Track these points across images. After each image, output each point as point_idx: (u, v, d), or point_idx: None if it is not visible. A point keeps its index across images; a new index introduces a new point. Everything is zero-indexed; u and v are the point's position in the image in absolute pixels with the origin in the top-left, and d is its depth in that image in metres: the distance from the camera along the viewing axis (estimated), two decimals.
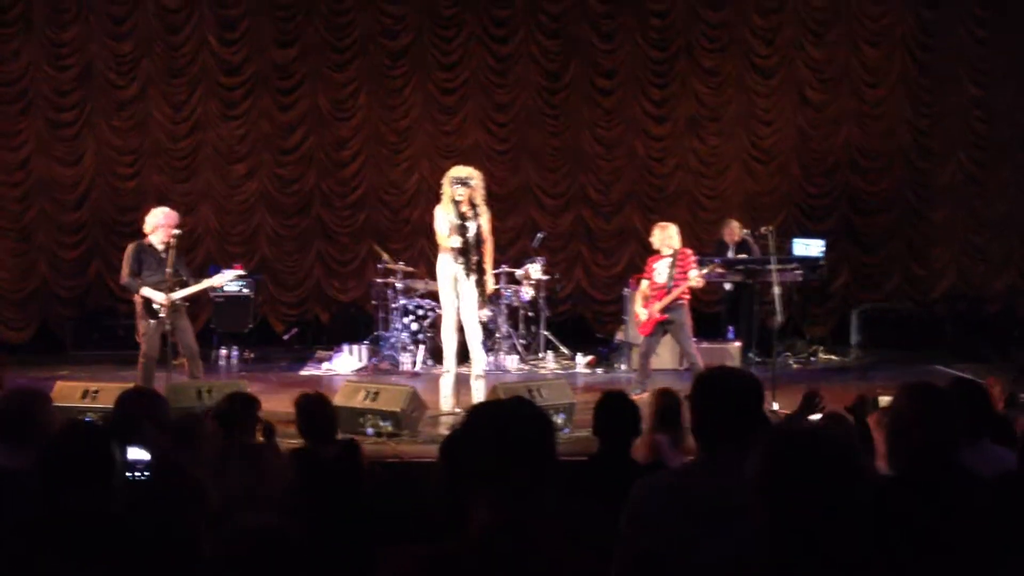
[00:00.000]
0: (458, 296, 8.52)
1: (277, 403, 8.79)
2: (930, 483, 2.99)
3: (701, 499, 2.84)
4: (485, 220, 8.54)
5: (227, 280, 9.29)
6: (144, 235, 8.68)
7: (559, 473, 2.62)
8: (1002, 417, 4.37)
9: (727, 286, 11.53)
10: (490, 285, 9.20)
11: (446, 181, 8.58)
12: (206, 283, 8.93)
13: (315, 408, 4.90)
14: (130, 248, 8.63)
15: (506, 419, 2.33)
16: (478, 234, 8.47)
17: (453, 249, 8.42)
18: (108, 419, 3.97)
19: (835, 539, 2.24)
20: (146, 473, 3.35)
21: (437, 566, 2.15)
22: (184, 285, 8.60)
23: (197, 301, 8.98)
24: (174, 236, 8.56)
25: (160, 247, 8.56)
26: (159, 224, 8.60)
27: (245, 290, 11.78)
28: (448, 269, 8.53)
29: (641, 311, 9.41)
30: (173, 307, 8.46)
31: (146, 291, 8.41)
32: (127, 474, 3.32)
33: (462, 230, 8.36)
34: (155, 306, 8.39)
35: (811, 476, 2.29)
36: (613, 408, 4.32)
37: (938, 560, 2.33)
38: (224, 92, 12.70)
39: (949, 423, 3.39)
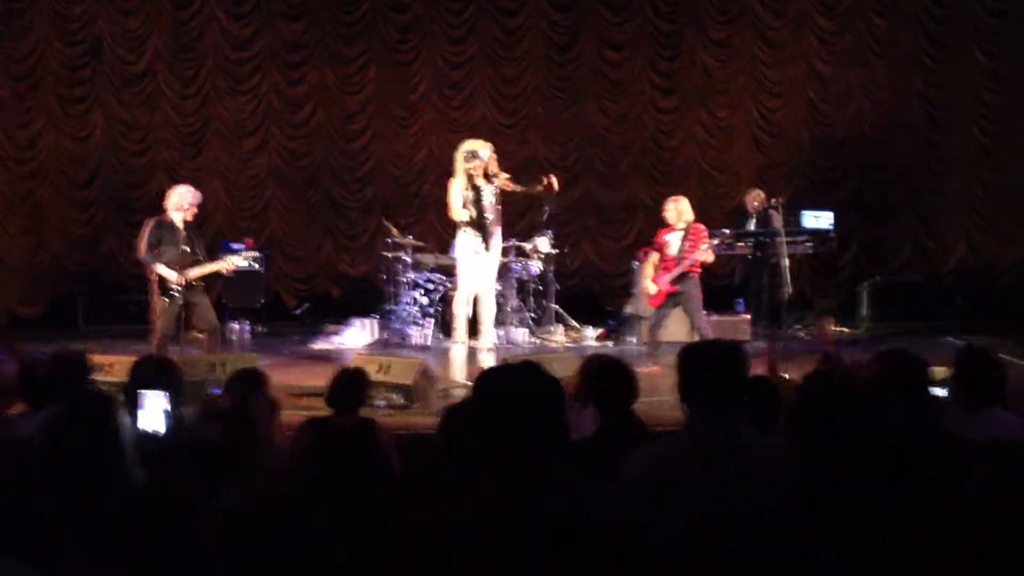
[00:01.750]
0: (477, 270, 8.56)
1: (290, 377, 8.88)
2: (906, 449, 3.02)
3: (686, 466, 2.89)
4: (502, 180, 8.53)
5: (238, 263, 9.25)
6: (164, 211, 8.71)
7: (568, 442, 2.65)
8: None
9: (749, 256, 11.46)
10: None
11: (459, 155, 8.60)
12: (218, 265, 8.92)
13: (353, 380, 4.96)
14: (150, 223, 8.64)
15: (516, 382, 2.36)
16: (493, 204, 8.49)
17: (463, 222, 8.45)
18: (125, 385, 4.02)
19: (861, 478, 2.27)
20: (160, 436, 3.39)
21: (445, 529, 2.17)
22: (200, 263, 8.63)
23: (209, 276, 9.00)
24: (183, 211, 8.60)
25: (180, 224, 8.60)
26: (184, 202, 8.62)
27: (255, 265, 11.80)
28: (466, 243, 8.56)
29: (650, 284, 9.40)
30: (188, 285, 8.50)
31: (160, 269, 8.44)
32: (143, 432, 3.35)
33: (476, 203, 8.39)
34: (170, 284, 8.43)
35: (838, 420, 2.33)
36: (609, 376, 4.35)
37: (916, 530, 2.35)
38: (233, 67, 12.70)
39: (922, 389, 3.43)
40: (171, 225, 8.60)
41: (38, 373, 4.38)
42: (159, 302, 8.51)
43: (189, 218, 8.68)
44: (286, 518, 2.17)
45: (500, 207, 8.74)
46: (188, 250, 8.58)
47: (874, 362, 3.80)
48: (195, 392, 7.54)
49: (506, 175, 8.60)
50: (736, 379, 3.09)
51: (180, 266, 8.45)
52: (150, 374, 4.02)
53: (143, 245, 8.56)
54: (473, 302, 9.11)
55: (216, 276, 9.31)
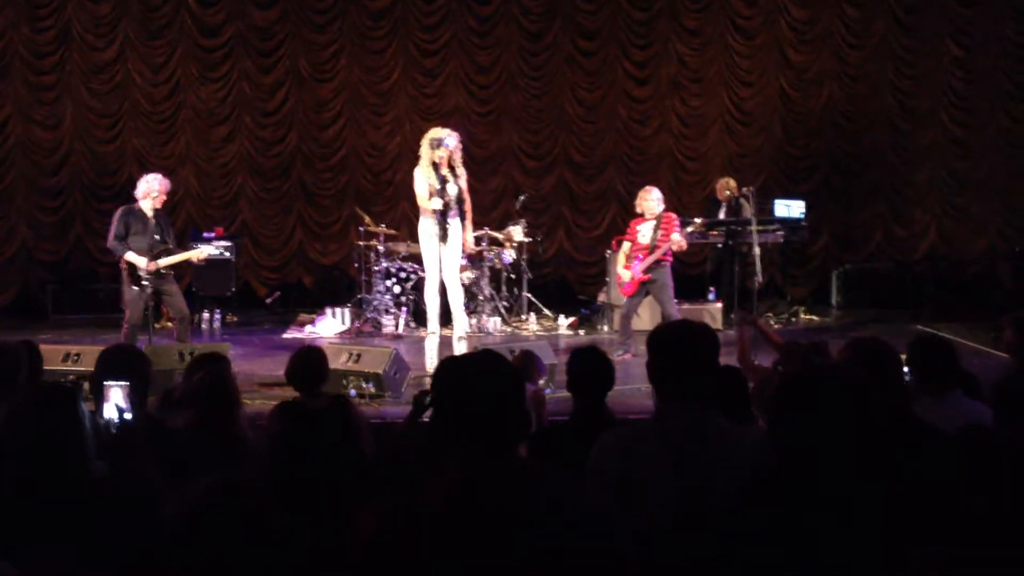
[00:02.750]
0: (440, 258, 8.56)
1: (260, 366, 8.85)
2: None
3: (656, 452, 2.87)
4: (464, 181, 8.56)
5: (209, 252, 9.17)
6: (134, 199, 8.65)
7: (532, 429, 2.65)
8: (968, 372, 4.44)
9: (719, 244, 11.50)
10: (470, 243, 9.25)
11: (425, 143, 8.60)
12: (189, 254, 8.86)
13: (309, 358, 4.93)
14: (119, 211, 8.60)
15: (474, 372, 2.35)
16: (459, 195, 8.49)
17: (434, 211, 8.44)
18: (92, 375, 3.99)
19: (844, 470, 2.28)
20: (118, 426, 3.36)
21: (405, 519, 2.17)
22: (170, 252, 8.57)
23: (180, 264, 8.93)
24: (152, 198, 8.54)
25: (149, 213, 8.53)
26: (152, 190, 8.56)
27: (226, 253, 11.76)
28: (430, 231, 8.56)
29: (623, 272, 9.43)
30: (158, 274, 8.44)
31: (130, 256, 8.39)
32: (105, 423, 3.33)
33: (442, 192, 8.38)
34: (140, 273, 8.37)
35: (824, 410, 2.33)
36: (584, 363, 4.35)
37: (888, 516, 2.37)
38: (204, 54, 12.60)
39: (895, 377, 3.45)
40: (140, 213, 8.54)
41: None
42: (129, 291, 8.46)
43: (158, 206, 8.62)
44: (245, 508, 2.15)
45: (465, 198, 8.76)
46: (158, 238, 8.52)
47: (846, 350, 3.82)
48: (164, 381, 7.52)
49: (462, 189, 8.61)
50: (706, 361, 3.05)
51: (150, 255, 8.39)
52: (117, 364, 3.98)
53: (112, 233, 8.50)
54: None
55: (187, 265, 9.25)
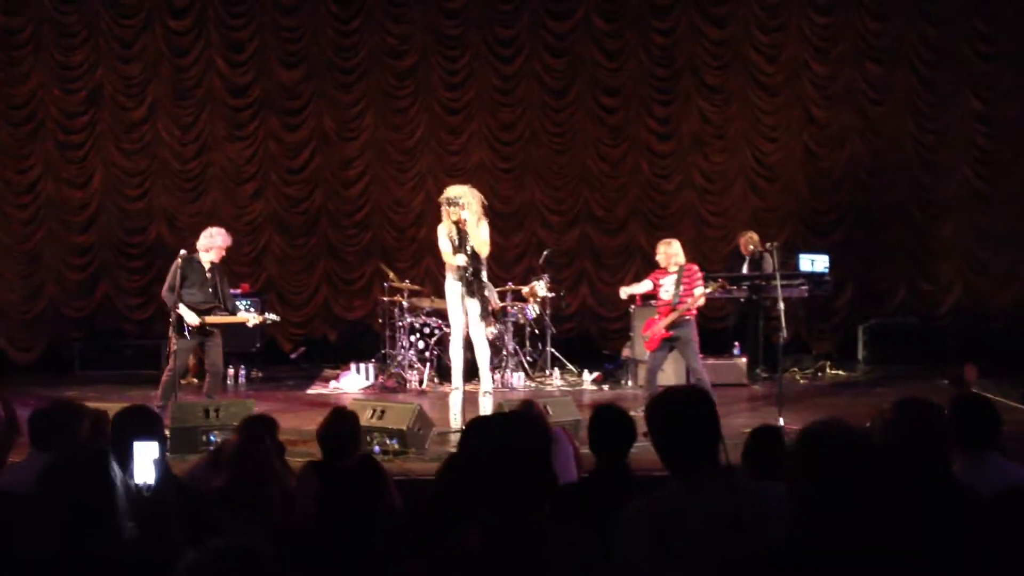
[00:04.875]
0: (465, 313, 8.58)
1: (284, 422, 8.83)
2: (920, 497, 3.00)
3: (680, 524, 2.81)
4: (482, 239, 8.57)
5: (255, 321, 9.24)
6: (193, 249, 8.76)
7: (557, 489, 2.64)
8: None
9: (742, 299, 11.47)
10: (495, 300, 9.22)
11: (441, 201, 8.68)
12: (238, 319, 8.97)
13: (343, 423, 4.93)
14: (177, 261, 8.65)
15: (505, 432, 2.35)
16: (474, 253, 8.53)
17: (459, 267, 8.48)
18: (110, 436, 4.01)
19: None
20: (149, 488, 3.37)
21: None
22: (220, 309, 8.66)
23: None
24: (210, 252, 8.66)
25: (207, 266, 8.63)
26: (214, 244, 8.67)
27: (252, 310, 11.82)
28: (455, 287, 8.59)
29: (655, 328, 9.34)
30: (205, 330, 8.53)
31: (182, 310, 8.47)
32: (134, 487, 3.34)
33: (464, 248, 8.42)
34: (185, 325, 8.44)
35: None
36: (606, 422, 4.33)
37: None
38: (231, 113, 12.78)
39: (939, 438, 3.41)
40: (199, 265, 8.67)
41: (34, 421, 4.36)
42: (179, 340, 8.52)
43: (216, 260, 8.72)
44: (254, 572, 2.12)
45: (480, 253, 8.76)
46: (211, 291, 8.62)
47: (892, 411, 3.75)
48: (189, 439, 7.54)
49: (481, 239, 8.60)
50: (710, 424, 2.94)
51: (202, 308, 8.49)
52: (135, 425, 3.97)
53: (167, 283, 8.57)
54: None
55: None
